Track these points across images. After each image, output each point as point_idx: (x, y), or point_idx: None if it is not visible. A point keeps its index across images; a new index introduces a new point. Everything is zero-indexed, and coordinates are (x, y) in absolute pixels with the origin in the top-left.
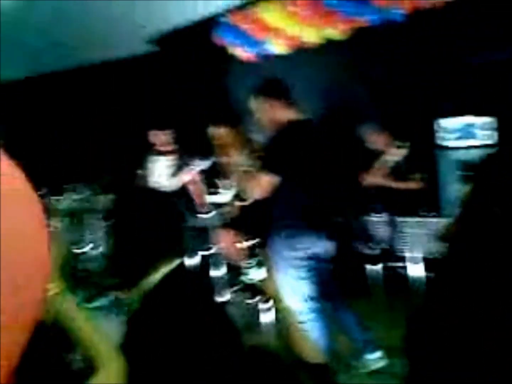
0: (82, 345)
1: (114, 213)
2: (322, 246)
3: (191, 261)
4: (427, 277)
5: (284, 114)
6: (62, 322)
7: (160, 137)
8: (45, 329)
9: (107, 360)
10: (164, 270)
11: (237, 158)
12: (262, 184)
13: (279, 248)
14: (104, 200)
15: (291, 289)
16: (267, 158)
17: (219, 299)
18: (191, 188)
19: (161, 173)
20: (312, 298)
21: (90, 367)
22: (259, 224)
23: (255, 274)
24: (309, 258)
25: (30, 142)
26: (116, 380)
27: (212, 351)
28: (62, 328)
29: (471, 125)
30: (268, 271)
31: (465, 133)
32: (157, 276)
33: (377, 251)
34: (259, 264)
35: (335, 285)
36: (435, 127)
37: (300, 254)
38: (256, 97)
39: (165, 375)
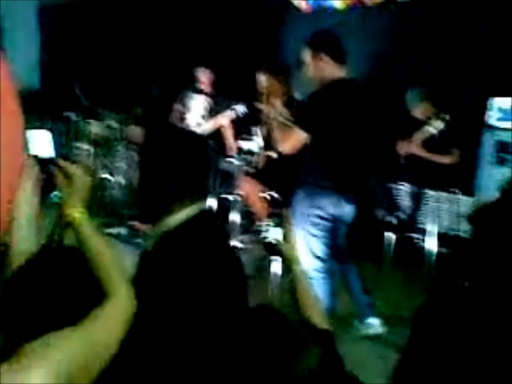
0: (98, 271)
1: (144, 146)
2: (342, 209)
3: (212, 203)
4: (442, 253)
5: (331, 70)
6: (82, 245)
7: (205, 75)
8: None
9: (118, 289)
10: (188, 212)
11: (275, 109)
12: (292, 139)
13: (300, 204)
14: (135, 130)
15: (304, 246)
16: (302, 114)
17: (233, 243)
18: (224, 130)
19: (198, 112)
20: (323, 258)
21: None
22: (283, 178)
23: (274, 233)
24: (327, 218)
25: (70, 62)
26: (125, 310)
27: (219, 297)
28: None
29: None
30: (287, 232)
31: None
32: (179, 216)
33: (396, 220)
34: (279, 225)
35: (347, 247)
36: (487, 104)
37: (320, 213)
38: (308, 48)
39: (169, 314)
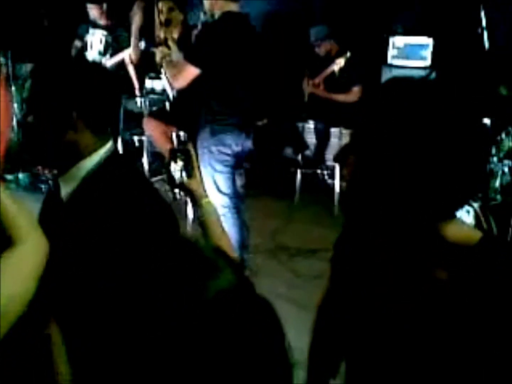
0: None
1: (38, 79)
2: (245, 145)
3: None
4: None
5: (223, 5)
6: None
7: (95, 9)
8: None
9: (26, 234)
10: (100, 153)
11: (173, 41)
12: (184, 74)
13: (205, 142)
14: (27, 67)
15: (211, 183)
16: (192, 48)
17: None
18: (130, 69)
19: (97, 47)
20: (229, 194)
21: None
22: (186, 116)
23: (179, 171)
24: (230, 154)
25: None
26: (35, 255)
27: (146, 235)
28: None
29: (419, 46)
30: (193, 168)
31: (411, 53)
32: (93, 159)
33: (303, 157)
34: (184, 162)
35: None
36: (388, 44)
37: (224, 149)
38: None
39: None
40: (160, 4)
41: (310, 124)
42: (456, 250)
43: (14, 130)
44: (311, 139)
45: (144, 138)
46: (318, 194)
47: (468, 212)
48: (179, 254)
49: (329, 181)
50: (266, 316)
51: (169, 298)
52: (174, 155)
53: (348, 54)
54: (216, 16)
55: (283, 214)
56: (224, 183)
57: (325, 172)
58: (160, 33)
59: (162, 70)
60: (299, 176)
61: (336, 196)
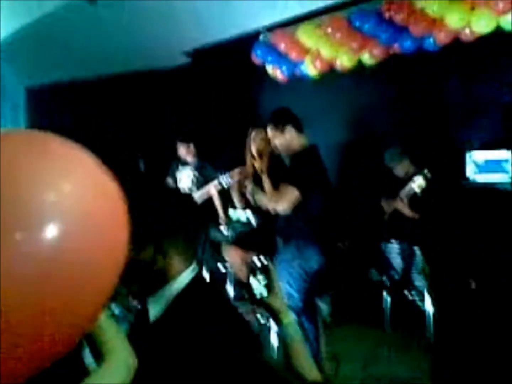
0: (94, 333)
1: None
2: (321, 263)
3: (206, 274)
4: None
5: (297, 140)
6: None
7: (185, 149)
8: None
9: (117, 349)
10: (185, 275)
11: (264, 168)
12: (289, 197)
13: (286, 258)
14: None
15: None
16: (293, 173)
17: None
18: (215, 200)
19: (186, 183)
20: (296, 310)
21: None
22: (267, 238)
23: (259, 287)
24: (308, 272)
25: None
26: (123, 370)
27: (229, 360)
28: None
29: (499, 160)
30: (273, 283)
31: (491, 168)
32: (176, 285)
33: (390, 280)
34: (265, 278)
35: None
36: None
37: (306, 265)
38: (272, 124)
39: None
40: (252, 136)
41: (394, 244)
42: None
43: None
44: (395, 259)
45: (228, 265)
46: (408, 317)
47: None
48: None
49: (420, 304)
50: None
51: None
52: (253, 270)
53: (426, 171)
54: (296, 149)
55: (373, 341)
56: (294, 301)
57: (414, 294)
58: (255, 163)
59: (251, 198)
60: (387, 299)
61: (429, 321)
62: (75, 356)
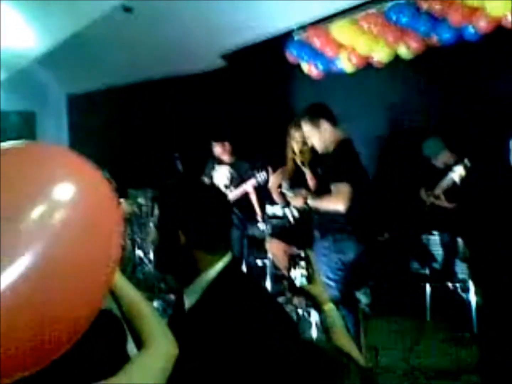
0: (135, 320)
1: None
2: (359, 255)
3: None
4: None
5: (333, 133)
6: (117, 295)
7: (221, 147)
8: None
9: (157, 336)
10: (217, 267)
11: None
12: (344, 194)
13: (324, 251)
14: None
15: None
16: (336, 169)
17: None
18: (252, 198)
19: (222, 182)
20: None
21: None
22: (305, 232)
23: (301, 278)
24: (345, 264)
25: (103, 148)
26: (165, 356)
27: (272, 346)
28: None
29: None
30: (313, 272)
31: None
32: (211, 272)
33: (431, 271)
34: (306, 268)
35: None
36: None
37: (342, 257)
38: (307, 118)
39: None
40: (293, 132)
41: (435, 236)
42: None
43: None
44: (437, 251)
45: (266, 261)
46: (450, 309)
47: None
48: (306, 357)
49: (462, 294)
50: None
51: None
52: (294, 261)
53: (466, 161)
54: (334, 142)
55: (414, 333)
56: (335, 291)
57: (457, 285)
58: (295, 158)
59: (287, 194)
60: (428, 291)
61: (473, 312)
62: (119, 348)
